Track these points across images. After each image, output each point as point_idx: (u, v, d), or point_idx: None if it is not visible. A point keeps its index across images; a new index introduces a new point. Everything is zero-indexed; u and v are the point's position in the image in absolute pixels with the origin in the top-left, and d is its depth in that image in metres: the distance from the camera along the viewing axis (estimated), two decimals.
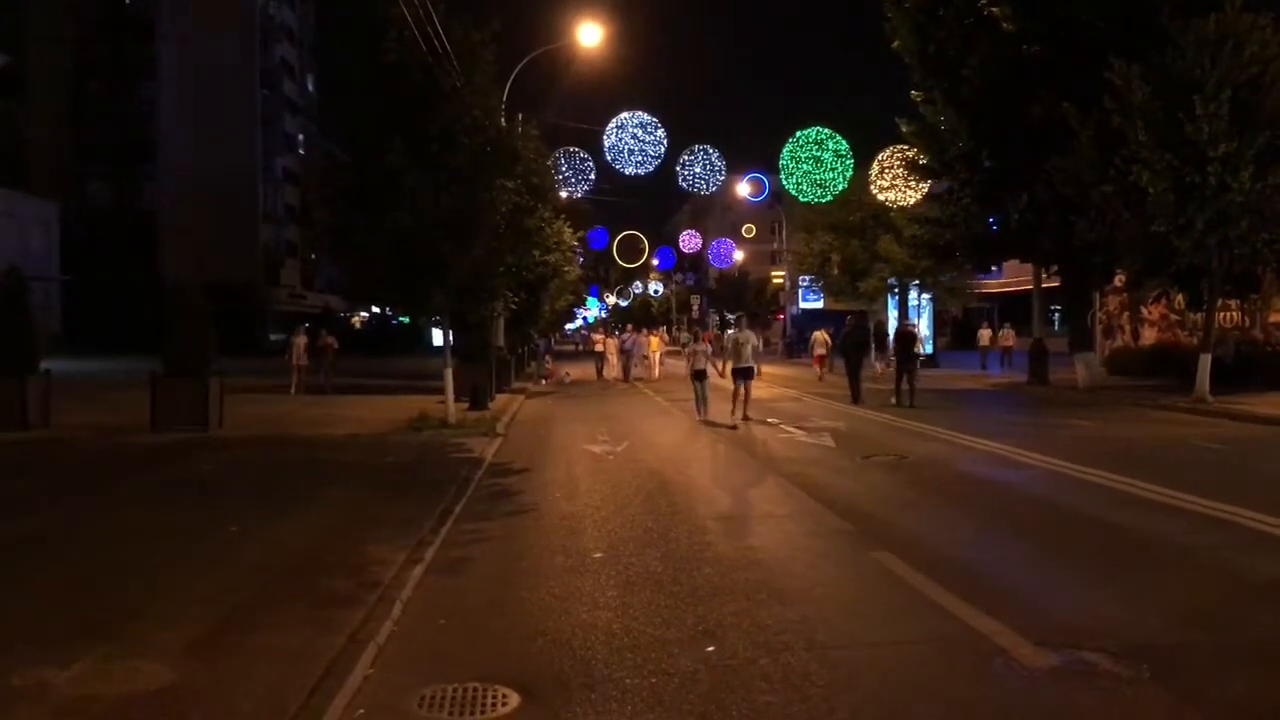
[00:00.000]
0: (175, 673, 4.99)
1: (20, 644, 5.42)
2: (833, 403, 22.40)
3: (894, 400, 21.38)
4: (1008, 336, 31.32)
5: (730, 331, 19.39)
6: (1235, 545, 7.74)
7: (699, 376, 19.04)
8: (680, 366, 38.33)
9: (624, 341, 36.81)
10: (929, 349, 41.10)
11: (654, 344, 38.47)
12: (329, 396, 24.44)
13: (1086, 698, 4.72)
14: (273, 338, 26.65)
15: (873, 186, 31.13)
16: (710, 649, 5.41)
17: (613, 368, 36.61)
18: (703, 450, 14.78)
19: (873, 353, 25.30)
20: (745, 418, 17.98)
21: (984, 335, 33.09)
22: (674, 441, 16.08)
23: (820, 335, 34.52)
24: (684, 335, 62.53)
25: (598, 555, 7.73)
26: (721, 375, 18.98)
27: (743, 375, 18.23)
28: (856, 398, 22.02)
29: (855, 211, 39.45)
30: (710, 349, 19.15)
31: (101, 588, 6.61)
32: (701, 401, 18.83)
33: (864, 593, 6.71)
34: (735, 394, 18.14)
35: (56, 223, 59.76)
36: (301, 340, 26.29)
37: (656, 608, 6.21)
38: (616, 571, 7.18)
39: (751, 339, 19.22)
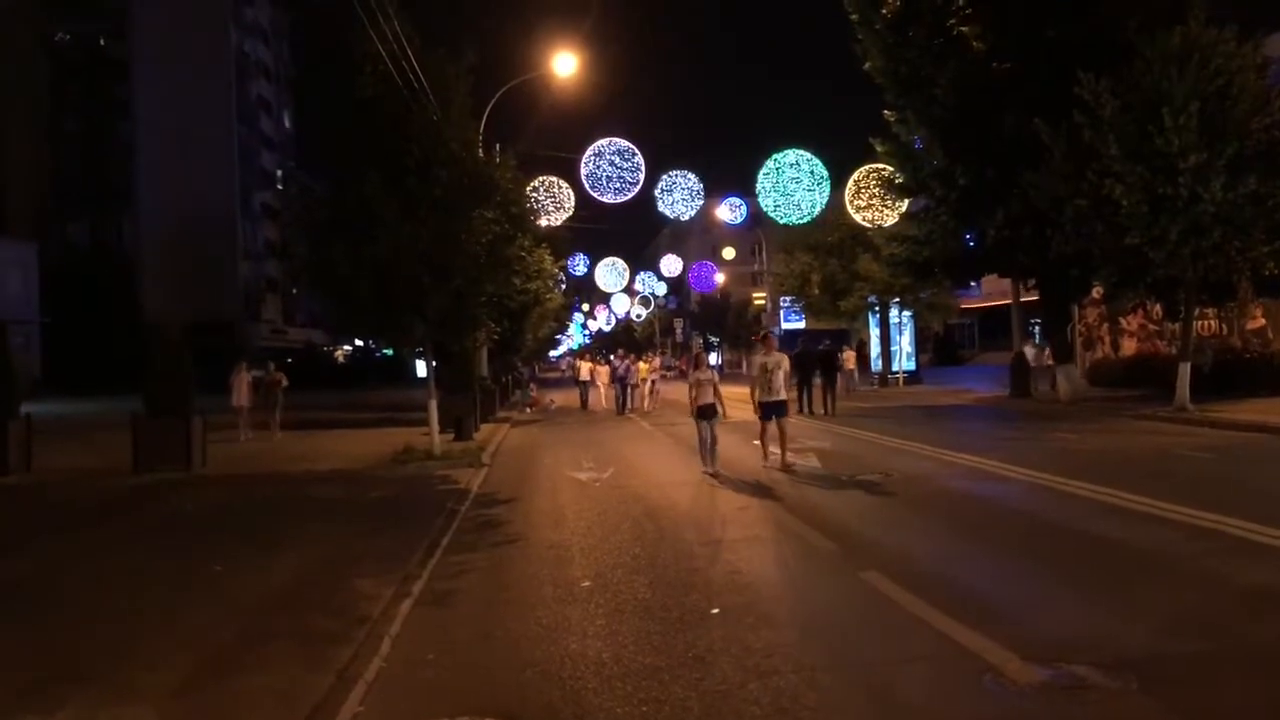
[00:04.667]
0: (161, 718, 4.95)
1: (4, 691, 5.37)
2: (814, 421, 22.62)
3: (821, 411, 25.29)
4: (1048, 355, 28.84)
5: (756, 355, 15.60)
6: (1220, 553, 7.78)
7: (705, 414, 14.23)
8: (673, 392, 37.99)
9: (616, 369, 32.70)
10: (911, 366, 41.45)
11: (644, 370, 33.99)
12: (283, 435, 22.46)
13: (1076, 711, 4.73)
14: (254, 374, 25.31)
15: (850, 206, 31.32)
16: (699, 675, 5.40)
17: (603, 398, 34.05)
18: (688, 474, 14.74)
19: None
20: (787, 466, 14.13)
21: (1031, 353, 29.97)
22: (659, 466, 16.05)
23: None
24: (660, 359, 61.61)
25: (586, 584, 7.71)
26: (756, 411, 14.73)
27: (775, 411, 14.53)
28: (802, 408, 25.06)
29: (833, 231, 39.72)
30: (717, 377, 14.81)
31: (86, 632, 6.56)
32: (709, 447, 14.23)
33: (852, 613, 6.71)
34: (763, 432, 14.65)
35: (35, 265, 59.51)
36: (243, 379, 23.12)
37: (646, 635, 6.19)
38: (605, 600, 7.16)
39: (784, 364, 14.84)
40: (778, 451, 14.48)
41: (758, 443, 15.04)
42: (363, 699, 5.30)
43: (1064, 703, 4.84)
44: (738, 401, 14.92)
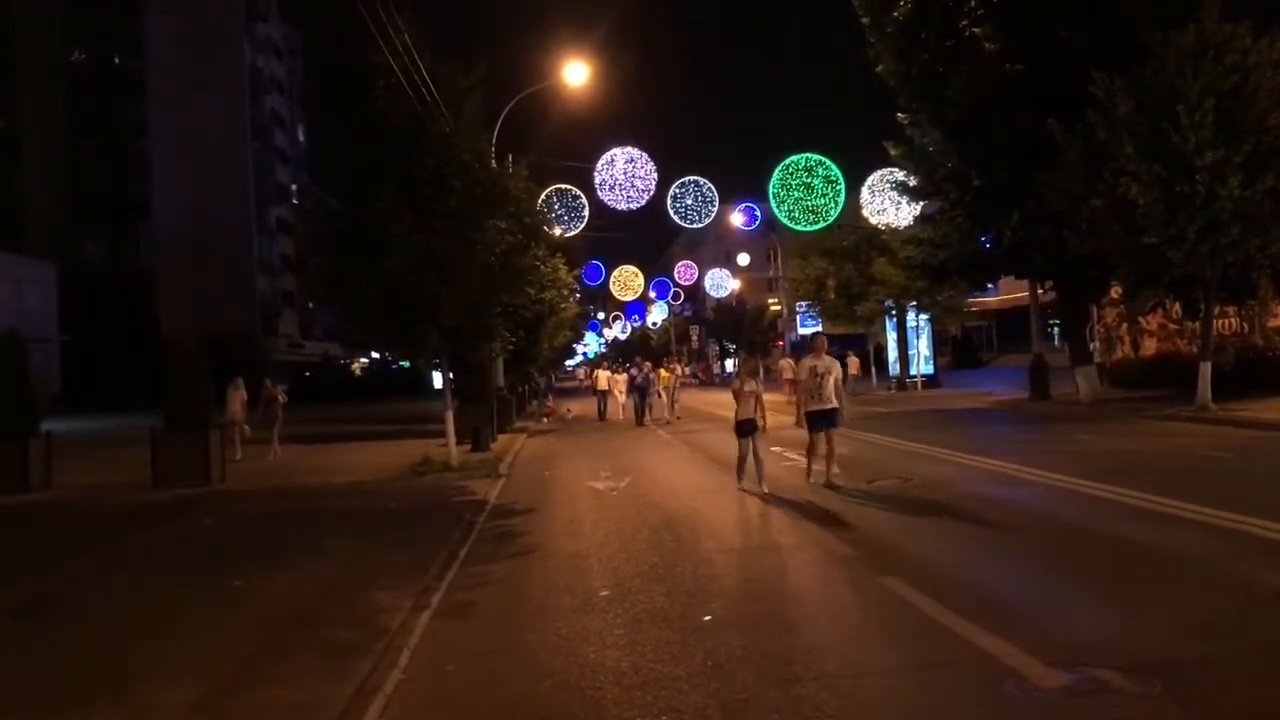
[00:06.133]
0: None
1: (26, 708, 5.40)
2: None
3: None
4: None
5: (805, 359, 13.57)
6: (1244, 555, 7.69)
7: (746, 430, 12.81)
8: (691, 400, 37.86)
9: (634, 378, 31.52)
10: (929, 369, 41.34)
11: (664, 377, 32.67)
12: (282, 453, 21.22)
13: (1100, 716, 4.67)
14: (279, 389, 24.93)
15: (864, 210, 31.24)
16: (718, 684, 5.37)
17: (621, 407, 33.31)
18: (706, 482, 14.72)
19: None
20: (830, 483, 12.75)
21: None
22: (677, 475, 16.02)
23: (786, 362, 36.92)
24: (681, 366, 60.79)
25: (604, 593, 7.68)
26: (799, 423, 13.21)
27: (824, 422, 12.87)
28: None
29: (849, 235, 39.64)
30: (762, 389, 13.18)
31: (107, 648, 6.58)
32: (759, 466, 12.80)
33: (873, 619, 6.66)
34: (812, 447, 13.12)
35: (54, 283, 60.10)
36: (239, 395, 21.46)
37: (665, 644, 6.16)
38: (623, 609, 7.14)
39: (835, 369, 13.09)
40: (821, 468, 13.08)
41: (797, 456, 14.33)
42: (382, 711, 5.29)
43: (1088, 707, 4.78)
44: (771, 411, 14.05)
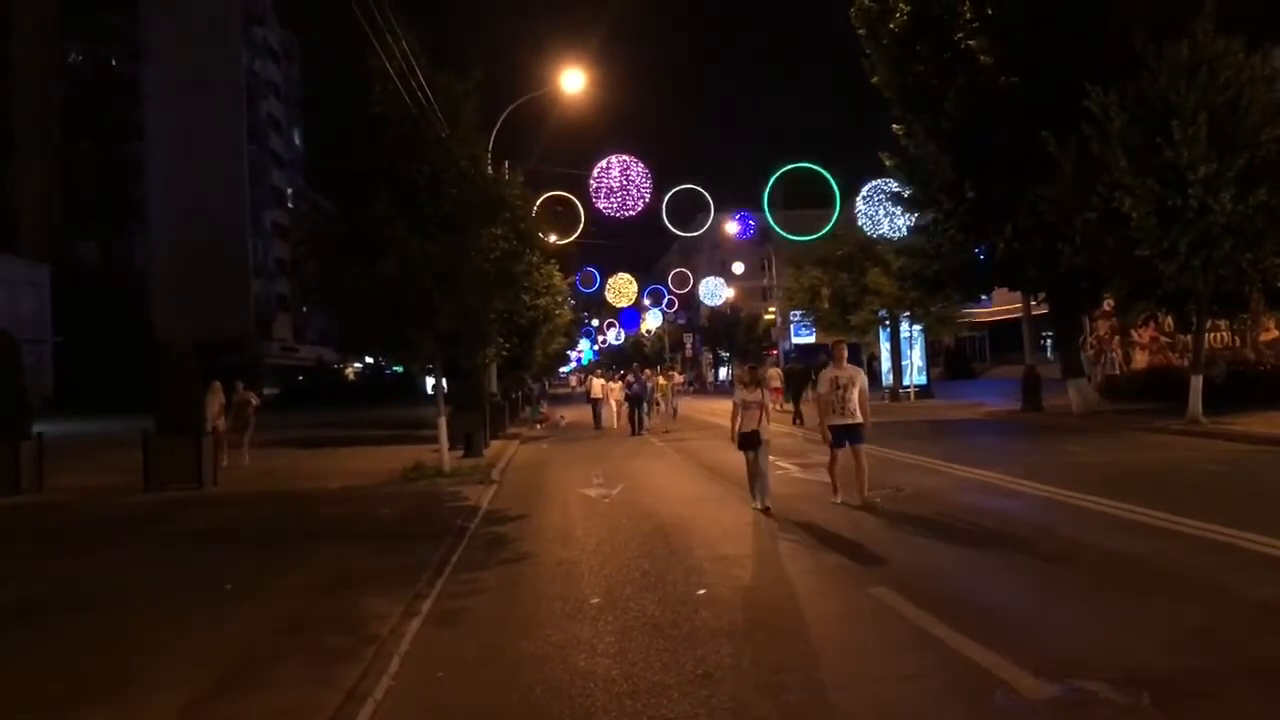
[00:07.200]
0: None
1: (14, 713, 5.38)
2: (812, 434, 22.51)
3: (794, 423, 27.15)
4: None
5: (826, 369, 12.58)
6: (1233, 567, 7.72)
7: (750, 443, 11.90)
8: (684, 408, 37.78)
9: (630, 385, 30.48)
10: (922, 380, 41.43)
11: (662, 386, 32.07)
12: (254, 460, 20.59)
13: None
14: (266, 392, 24.79)
15: (859, 220, 31.31)
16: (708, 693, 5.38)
17: (615, 416, 32.48)
18: (698, 491, 14.73)
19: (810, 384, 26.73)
20: (868, 503, 11.71)
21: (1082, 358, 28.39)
22: (670, 483, 16.02)
23: (775, 371, 38.20)
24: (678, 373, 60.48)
25: (595, 601, 7.68)
26: (825, 438, 12.21)
27: (849, 436, 11.96)
28: (796, 418, 27.57)
29: (843, 245, 39.72)
30: (768, 398, 12.58)
31: (96, 652, 6.57)
32: (759, 481, 11.99)
33: (862, 629, 6.68)
34: (833, 462, 12.23)
35: (48, 284, 59.99)
36: (217, 399, 19.72)
37: (655, 652, 6.17)
38: (614, 617, 7.14)
39: (859, 379, 12.09)
40: (845, 484, 12.19)
41: (788, 465, 14.33)
42: (372, 717, 5.29)
43: (1075, 719, 4.80)
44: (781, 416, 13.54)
